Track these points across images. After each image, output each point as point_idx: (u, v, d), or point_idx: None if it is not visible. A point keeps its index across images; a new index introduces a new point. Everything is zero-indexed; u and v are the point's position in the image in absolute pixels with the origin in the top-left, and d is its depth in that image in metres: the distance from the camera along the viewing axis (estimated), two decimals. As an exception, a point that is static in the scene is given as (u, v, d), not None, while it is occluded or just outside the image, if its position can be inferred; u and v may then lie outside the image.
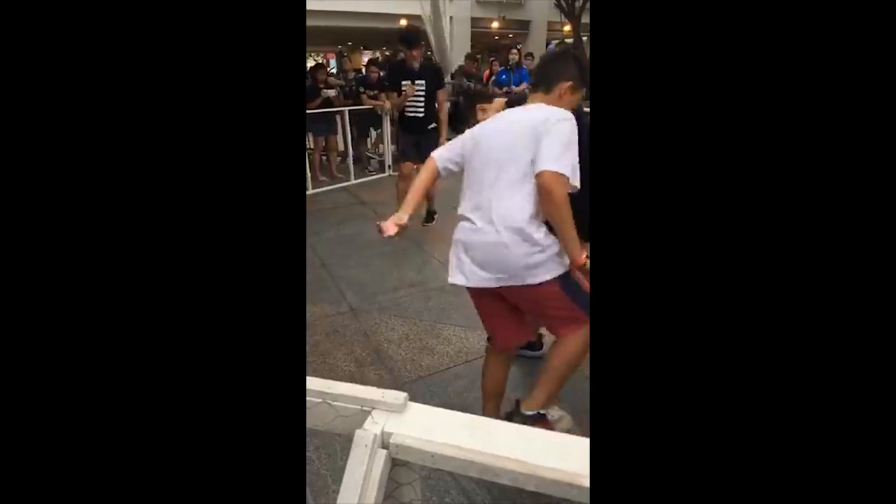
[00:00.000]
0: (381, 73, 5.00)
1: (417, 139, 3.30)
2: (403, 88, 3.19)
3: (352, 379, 1.95)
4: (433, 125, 3.26)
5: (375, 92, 4.93)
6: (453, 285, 1.33)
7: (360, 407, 0.49)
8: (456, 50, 6.10)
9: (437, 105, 3.21)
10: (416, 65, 3.15)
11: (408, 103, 3.22)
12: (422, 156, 2.89)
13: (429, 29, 6.07)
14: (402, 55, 3.40)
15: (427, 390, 1.82)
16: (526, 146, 1.18)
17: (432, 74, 3.25)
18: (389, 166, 5.35)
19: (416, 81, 3.16)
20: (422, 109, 3.24)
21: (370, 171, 5.41)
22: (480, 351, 2.06)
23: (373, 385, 0.51)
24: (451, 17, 8.75)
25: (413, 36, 3.17)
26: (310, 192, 4.59)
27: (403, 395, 0.49)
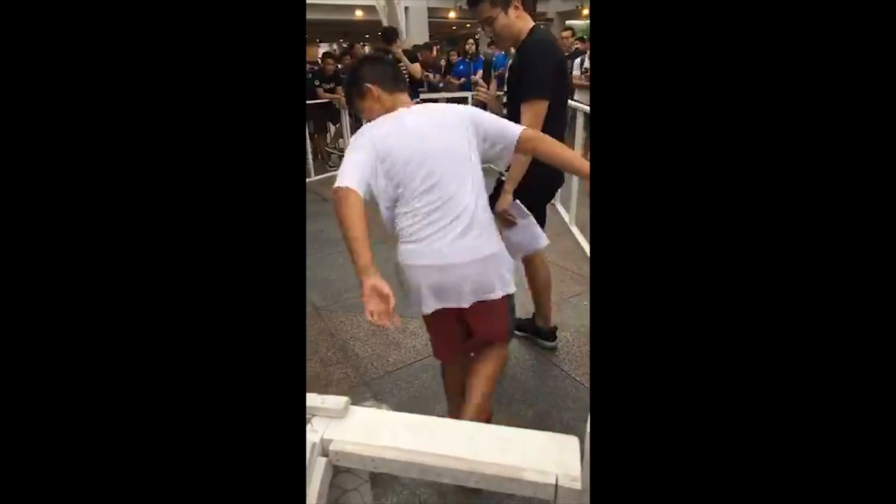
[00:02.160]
0: (338, 66, 4.89)
1: None
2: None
3: (317, 379, 1.92)
4: None
5: (332, 85, 4.82)
6: None
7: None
8: (412, 40, 6.02)
9: None
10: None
11: None
12: None
13: (383, 19, 5.96)
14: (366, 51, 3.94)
15: (395, 385, 1.81)
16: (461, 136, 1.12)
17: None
18: (351, 161, 5.23)
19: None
20: None
21: (331, 167, 5.30)
22: (447, 343, 2.08)
23: (339, 384, 0.50)
24: (406, 7, 8.62)
25: (393, 32, 4.03)
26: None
27: (345, 399, 0.48)
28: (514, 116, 1.52)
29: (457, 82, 5.75)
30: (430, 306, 1.13)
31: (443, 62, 6.27)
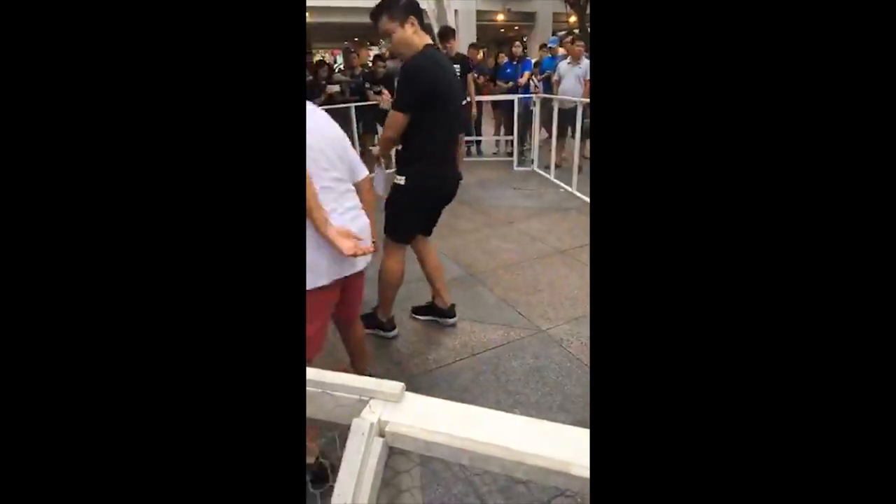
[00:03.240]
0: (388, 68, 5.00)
1: None
2: None
3: (358, 374, 1.99)
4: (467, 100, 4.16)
5: (380, 88, 4.93)
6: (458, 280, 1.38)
7: (358, 397, 0.51)
8: (462, 43, 6.07)
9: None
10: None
11: None
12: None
13: (433, 22, 6.05)
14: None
15: (434, 384, 1.84)
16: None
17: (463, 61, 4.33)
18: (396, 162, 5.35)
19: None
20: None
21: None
22: (486, 344, 2.08)
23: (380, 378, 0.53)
24: (455, 11, 8.69)
25: (450, 31, 4.41)
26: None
27: (400, 385, 0.51)
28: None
29: (505, 86, 5.73)
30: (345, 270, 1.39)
31: (491, 64, 6.28)
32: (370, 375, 0.56)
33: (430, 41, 1.83)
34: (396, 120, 1.83)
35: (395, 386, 0.50)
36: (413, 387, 0.52)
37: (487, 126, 6.44)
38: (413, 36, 1.78)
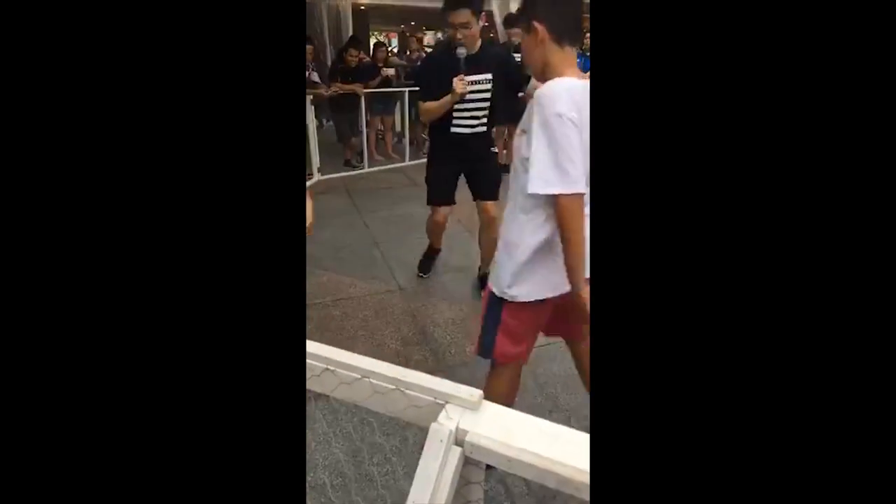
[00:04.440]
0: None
1: (471, 168, 2.14)
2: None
3: (397, 357, 1.99)
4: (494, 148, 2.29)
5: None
6: None
7: (433, 399, 0.49)
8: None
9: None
10: (472, 49, 1.93)
11: (455, 110, 1.99)
12: (480, 190, 2.15)
13: (495, 9, 5.91)
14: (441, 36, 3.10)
15: (472, 377, 1.82)
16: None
17: (501, 63, 2.07)
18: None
19: (471, 74, 1.93)
20: (480, 119, 2.05)
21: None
22: (527, 344, 2.04)
23: (417, 366, 0.51)
24: (517, -2, 8.45)
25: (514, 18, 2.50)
26: (365, 170, 4.66)
27: (479, 392, 0.48)
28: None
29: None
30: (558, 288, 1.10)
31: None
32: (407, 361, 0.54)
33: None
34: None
35: (474, 393, 0.48)
36: (450, 378, 0.49)
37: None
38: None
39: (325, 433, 1.48)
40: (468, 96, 1.96)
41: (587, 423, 1.71)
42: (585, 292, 1.02)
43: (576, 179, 0.95)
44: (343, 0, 6.17)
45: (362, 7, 7.59)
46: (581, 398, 1.72)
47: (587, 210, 1.01)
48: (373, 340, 2.06)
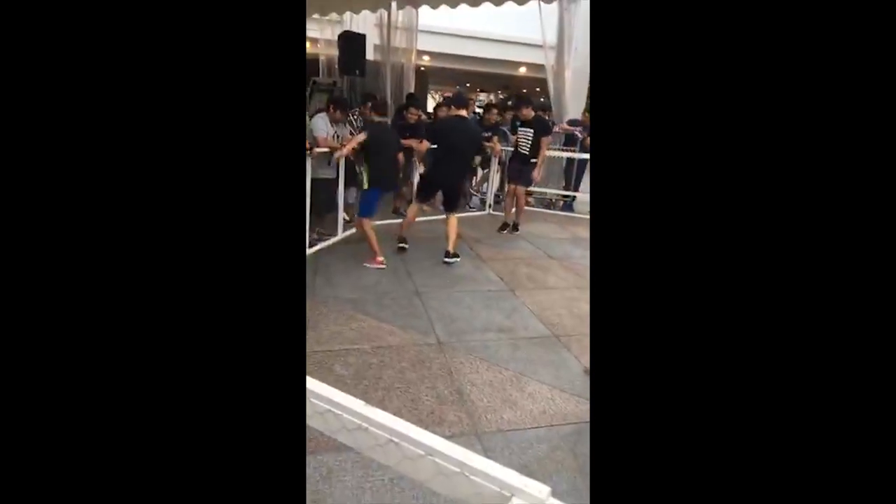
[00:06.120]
0: (500, 117, 5.17)
1: (521, 168, 4.71)
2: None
3: (431, 415, 1.94)
4: (534, 160, 4.66)
5: (489, 134, 5.09)
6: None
7: (499, 489, 0.47)
8: (571, 101, 6.14)
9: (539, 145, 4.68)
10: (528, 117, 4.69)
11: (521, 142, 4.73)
12: (522, 179, 4.67)
13: (550, 79, 6.19)
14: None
15: (506, 446, 1.74)
16: None
17: (540, 124, 4.72)
18: (490, 205, 5.44)
19: (523, 129, 4.70)
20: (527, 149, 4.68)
21: (471, 208, 5.53)
22: (567, 416, 1.95)
23: (451, 426, 0.50)
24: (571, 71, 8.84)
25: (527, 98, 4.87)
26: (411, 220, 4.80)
27: (547, 489, 0.46)
28: None
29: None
30: None
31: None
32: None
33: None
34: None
35: (542, 489, 0.46)
36: (483, 445, 0.48)
37: (586, 184, 6.35)
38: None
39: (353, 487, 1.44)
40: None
41: None
42: None
43: None
44: (408, 61, 6.66)
45: (422, 69, 8.14)
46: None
47: None
48: (408, 394, 2.03)
